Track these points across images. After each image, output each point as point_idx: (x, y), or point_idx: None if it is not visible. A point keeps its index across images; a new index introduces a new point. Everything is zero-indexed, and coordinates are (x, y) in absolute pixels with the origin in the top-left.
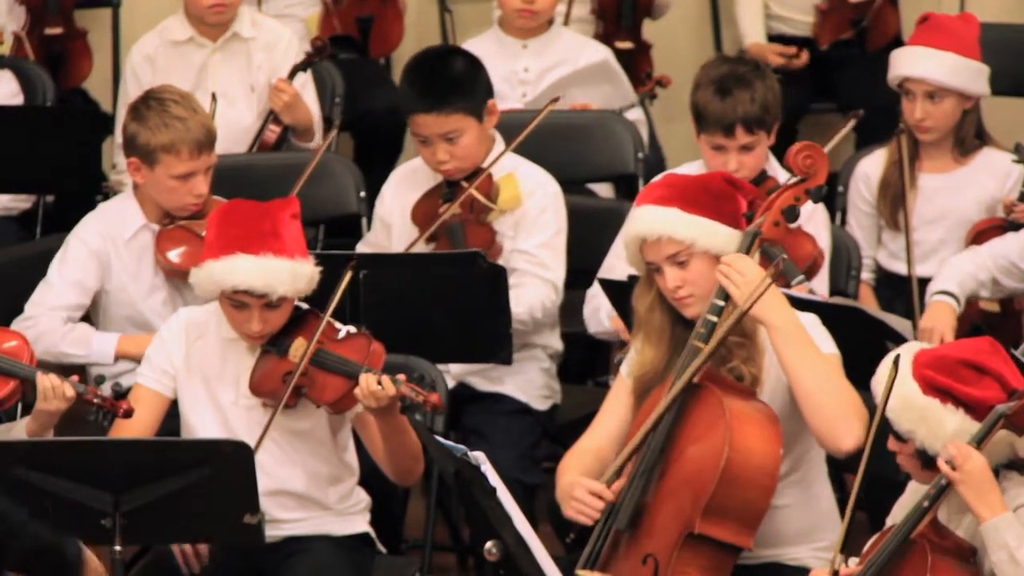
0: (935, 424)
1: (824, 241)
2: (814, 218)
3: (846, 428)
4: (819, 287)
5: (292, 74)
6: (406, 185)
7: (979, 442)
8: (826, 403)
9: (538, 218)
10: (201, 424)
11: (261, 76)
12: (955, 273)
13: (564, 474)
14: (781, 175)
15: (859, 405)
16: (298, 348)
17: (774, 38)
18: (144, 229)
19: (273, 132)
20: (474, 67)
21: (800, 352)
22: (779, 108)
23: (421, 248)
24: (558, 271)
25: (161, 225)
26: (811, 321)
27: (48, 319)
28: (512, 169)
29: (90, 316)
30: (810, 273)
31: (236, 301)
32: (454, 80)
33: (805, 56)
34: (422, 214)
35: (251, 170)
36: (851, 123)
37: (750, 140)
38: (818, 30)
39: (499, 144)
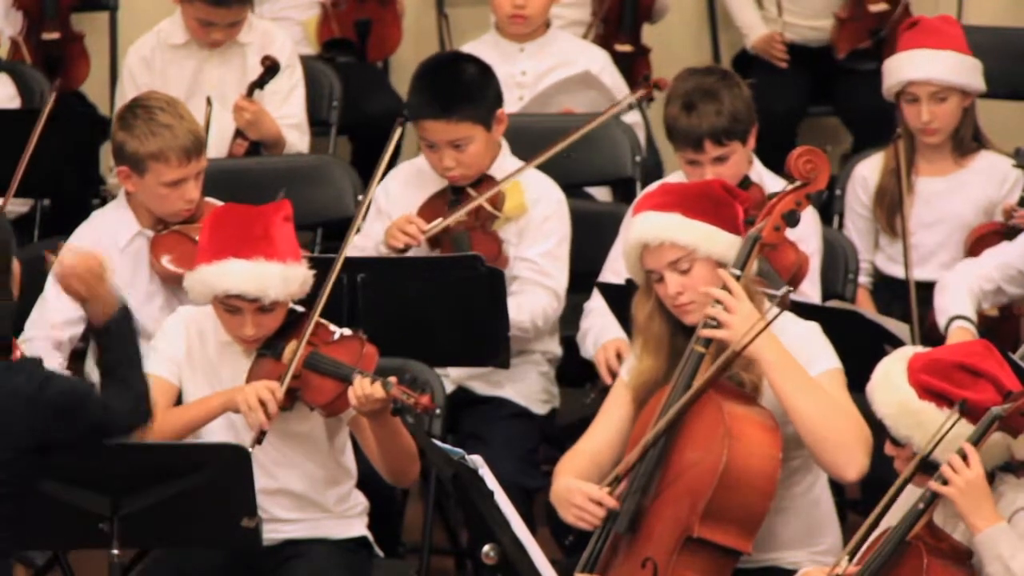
0: (932, 428)
1: (814, 244)
2: (803, 220)
3: (849, 459)
4: (810, 291)
5: (250, 91)
6: (413, 184)
7: (974, 445)
8: (828, 435)
9: (542, 226)
10: (208, 425)
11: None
12: (963, 294)
13: (560, 476)
14: (768, 180)
15: (862, 432)
16: (292, 351)
17: None
18: (139, 236)
19: (241, 146)
20: (485, 75)
21: (798, 385)
22: (752, 115)
23: (423, 253)
24: (561, 280)
25: (155, 231)
26: (813, 331)
27: (42, 344)
28: (516, 176)
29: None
30: (795, 282)
31: (229, 305)
32: (464, 88)
33: None
34: (427, 219)
35: (247, 173)
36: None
37: (722, 151)
38: (836, 39)
39: (505, 150)
